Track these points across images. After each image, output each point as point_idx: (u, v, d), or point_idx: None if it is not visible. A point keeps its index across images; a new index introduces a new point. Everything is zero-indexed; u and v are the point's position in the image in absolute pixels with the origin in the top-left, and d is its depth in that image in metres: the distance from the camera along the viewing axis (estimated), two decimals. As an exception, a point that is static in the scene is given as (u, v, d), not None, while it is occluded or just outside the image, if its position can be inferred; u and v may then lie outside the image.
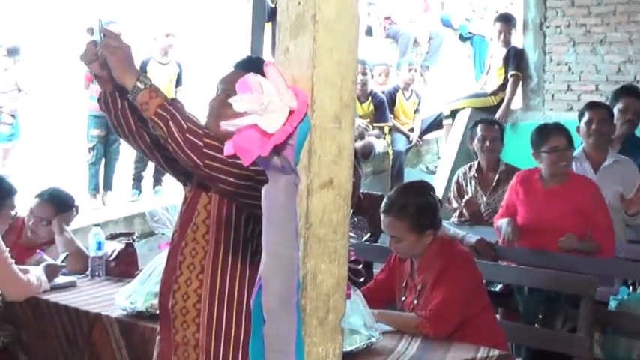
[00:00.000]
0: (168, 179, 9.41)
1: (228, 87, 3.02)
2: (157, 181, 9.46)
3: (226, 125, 1.84)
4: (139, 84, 2.81)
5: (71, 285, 4.87)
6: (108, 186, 9.44)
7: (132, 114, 3.09)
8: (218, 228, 3.05)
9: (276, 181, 1.89)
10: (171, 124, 2.75)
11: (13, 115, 8.74)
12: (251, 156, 1.82)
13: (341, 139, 1.88)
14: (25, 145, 9.23)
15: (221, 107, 2.99)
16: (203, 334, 3.06)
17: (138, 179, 9.61)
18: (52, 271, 4.86)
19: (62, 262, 4.96)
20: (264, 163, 1.86)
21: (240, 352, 3.03)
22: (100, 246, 5.14)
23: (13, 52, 8.80)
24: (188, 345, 3.09)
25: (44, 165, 9.46)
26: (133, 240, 5.33)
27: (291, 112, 1.80)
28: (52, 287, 4.79)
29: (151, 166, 9.48)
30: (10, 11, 12.42)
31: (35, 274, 4.73)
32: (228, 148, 1.86)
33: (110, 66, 2.88)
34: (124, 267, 5.13)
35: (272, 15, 8.47)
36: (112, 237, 5.52)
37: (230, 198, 2.92)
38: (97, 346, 4.34)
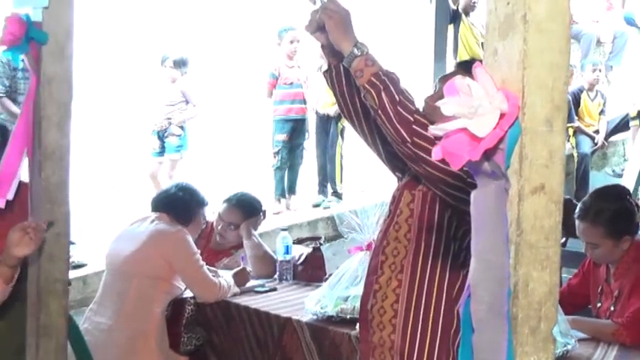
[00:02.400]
0: (348, 185, 9.53)
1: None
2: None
3: (435, 129, 1.80)
4: (355, 50, 2.77)
5: (272, 290, 4.94)
6: (292, 190, 9.55)
7: (357, 93, 3.02)
8: (420, 227, 3.01)
9: (485, 186, 1.84)
10: (383, 94, 2.71)
11: (181, 127, 8.92)
12: (460, 160, 1.78)
13: (552, 143, 1.83)
14: (194, 155, 9.39)
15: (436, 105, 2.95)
16: (398, 336, 3.03)
17: (323, 183, 9.71)
18: (242, 278, 4.95)
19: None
20: (474, 168, 1.82)
21: (435, 356, 2.99)
22: (287, 250, 5.19)
23: (180, 63, 8.97)
24: (384, 347, 3.06)
25: (218, 174, 9.63)
26: (320, 244, 5.36)
27: (501, 116, 1.75)
28: (255, 291, 4.89)
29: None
30: (177, 23, 12.71)
31: (225, 277, 4.83)
32: (437, 153, 1.83)
33: (327, 30, 2.84)
34: (311, 271, 5.17)
35: (454, 17, 8.43)
36: (299, 241, 5.57)
37: (432, 183, 2.84)
38: (287, 349, 4.38)
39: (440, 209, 2.96)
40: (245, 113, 12.21)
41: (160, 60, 8.98)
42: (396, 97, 2.70)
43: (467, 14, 9.30)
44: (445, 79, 3.06)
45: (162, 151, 8.92)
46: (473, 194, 1.89)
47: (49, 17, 3.40)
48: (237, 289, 4.84)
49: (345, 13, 2.84)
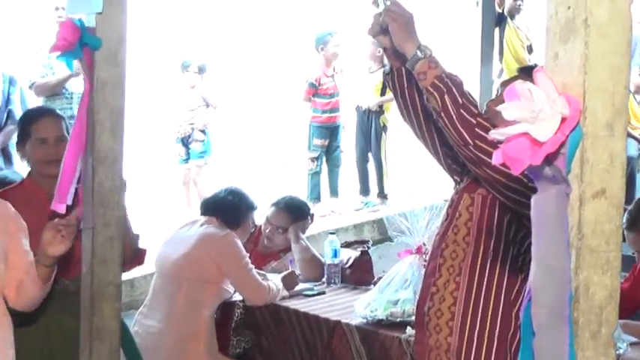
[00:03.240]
0: (392, 186, 9.52)
1: None
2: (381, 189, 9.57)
3: (495, 134, 1.80)
4: (418, 52, 2.77)
5: (320, 293, 4.95)
6: (335, 193, 9.57)
7: (418, 95, 3.04)
8: (479, 230, 3.01)
9: (546, 190, 1.84)
10: (446, 97, 2.71)
11: (203, 132, 8.96)
12: (521, 165, 1.78)
13: (613, 147, 1.82)
14: (218, 160, 9.43)
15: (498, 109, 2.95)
16: (455, 338, 3.03)
17: (365, 184, 9.73)
18: (290, 281, 4.97)
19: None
20: (535, 172, 1.82)
21: (492, 359, 2.99)
22: (335, 254, 5.20)
23: (202, 69, 9.04)
24: (440, 349, 3.07)
25: (244, 178, 9.68)
26: (368, 248, 5.37)
27: (563, 120, 1.75)
28: (304, 294, 4.93)
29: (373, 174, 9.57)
30: (196, 29, 12.77)
31: (274, 281, 4.84)
32: (497, 157, 1.83)
33: (391, 32, 2.85)
34: (359, 275, 5.17)
35: (499, 20, 8.41)
36: (347, 245, 5.59)
37: (493, 186, 2.83)
38: (336, 353, 4.39)
39: (499, 213, 2.96)
40: (270, 117, 12.26)
41: (181, 66, 9.00)
42: (459, 99, 2.71)
43: (512, 17, 9.28)
44: (507, 83, 3.06)
45: (187, 158, 8.98)
46: (533, 198, 1.89)
47: (103, 23, 3.42)
48: (285, 293, 4.86)
49: (408, 15, 2.84)
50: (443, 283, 3.08)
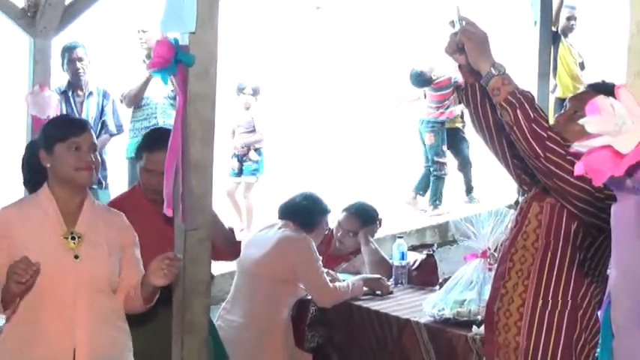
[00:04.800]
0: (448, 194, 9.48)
1: (576, 105, 2.96)
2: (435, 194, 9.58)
3: (579, 146, 1.77)
4: (492, 70, 2.77)
5: (389, 293, 4.93)
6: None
7: (491, 110, 3.03)
8: (547, 236, 3.00)
9: (626, 200, 1.80)
10: (519, 111, 2.70)
11: (258, 151, 8.95)
12: (603, 176, 1.74)
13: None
14: (269, 179, 9.40)
15: (567, 122, 2.93)
16: (523, 338, 3.02)
17: (435, 192, 9.72)
18: (376, 286, 4.94)
19: None
20: (615, 183, 1.79)
21: (559, 358, 2.95)
22: (403, 256, 5.17)
23: (256, 91, 9.02)
24: (509, 347, 3.05)
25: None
26: (433, 251, 5.33)
27: (644, 134, 1.71)
28: (376, 294, 4.89)
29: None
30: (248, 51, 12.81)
31: (348, 281, 4.82)
32: (579, 169, 1.79)
33: (466, 51, 2.84)
34: (425, 276, 5.13)
35: (553, 38, 8.31)
36: (413, 248, 5.56)
37: (562, 196, 2.82)
38: (406, 348, 4.36)
39: (567, 221, 2.95)
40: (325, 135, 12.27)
41: (237, 88, 8.98)
42: (531, 114, 2.69)
43: (565, 35, 9.20)
44: (575, 98, 3.06)
45: (239, 173, 8.97)
46: (613, 208, 1.86)
47: (195, 41, 3.44)
48: (357, 293, 4.81)
49: (483, 35, 2.83)
50: (512, 285, 3.07)
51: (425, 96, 9.55)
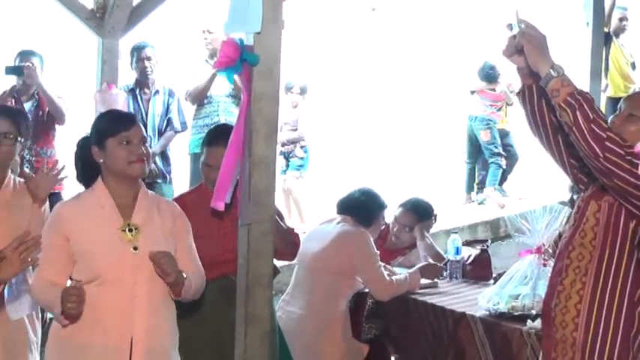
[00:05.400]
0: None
1: (631, 105, 2.94)
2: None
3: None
4: (551, 71, 2.76)
5: (433, 286, 4.91)
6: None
7: (548, 111, 3.02)
8: (605, 234, 2.97)
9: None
10: (578, 112, 2.69)
11: (303, 148, 8.93)
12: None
13: None
14: (313, 175, 9.38)
15: (623, 124, 2.91)
16: (580, 334, 2.99)
17: (482, 186, 9.69)
18: (430, 271, 4.92)
19: None
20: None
21: (615, 355, 2.92)
22: (457, 251, 5.15)
23: (304, 90, 9.01)
24: (566, 343, 3.03)
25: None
26: (487, 247, 5.29)
27: None
28: (431, 286, 4.88)
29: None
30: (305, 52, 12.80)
31: (405, 274, 4.81)
32: (641, 168, 1.77)
33: (525, 53, 2.83)
34: (478, 271, 5.10)
35: (605, 39, 8.20)
36: (467, 243, 5.53)
37: (620, 195, 2.81)
38: (461, 341, 4.34)
39: (625, 219, 2.93)
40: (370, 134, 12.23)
41: (285, 87, 8.98)
42: (590, 115, 2.68)
43: (617, 36, 9.09)
44: (630, 99, 3.02)
45: (286, 170, 8.98)
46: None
47: (260, 42, 3.44)
48: (413, 287, 4.79)
49: (542, 37, 2.81)
50: (569, 282, 3.05)
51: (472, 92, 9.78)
